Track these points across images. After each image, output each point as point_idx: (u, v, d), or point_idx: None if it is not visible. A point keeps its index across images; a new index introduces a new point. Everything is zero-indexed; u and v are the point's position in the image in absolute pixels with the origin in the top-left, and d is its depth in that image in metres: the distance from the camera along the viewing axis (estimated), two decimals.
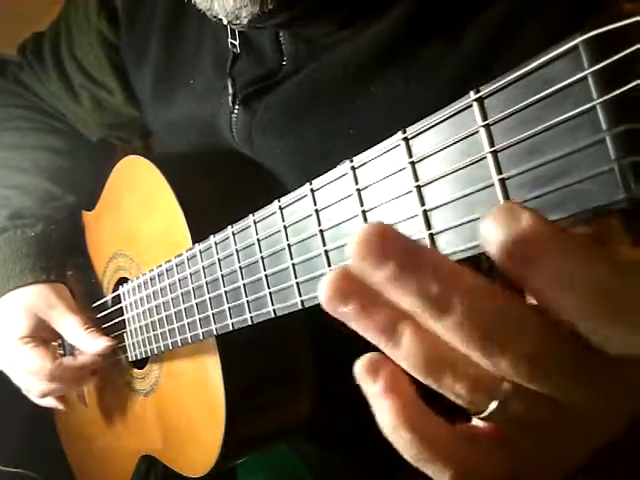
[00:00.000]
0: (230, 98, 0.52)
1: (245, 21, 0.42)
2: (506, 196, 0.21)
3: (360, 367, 0.22)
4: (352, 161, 0.28)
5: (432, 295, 0.18)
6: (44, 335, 0.65)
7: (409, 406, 0.21)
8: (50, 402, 0.68)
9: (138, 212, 0.60)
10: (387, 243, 0.18)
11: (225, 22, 0.43)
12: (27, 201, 0.70)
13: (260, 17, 0.42)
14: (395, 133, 0.25)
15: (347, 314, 0.20)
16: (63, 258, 0.71)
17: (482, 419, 0.21)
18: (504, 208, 0.18)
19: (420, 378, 0.21)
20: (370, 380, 0.21)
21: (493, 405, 0.21)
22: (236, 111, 0.53)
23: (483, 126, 0.21)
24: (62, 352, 0.72)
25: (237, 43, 0.51)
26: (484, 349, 0.19)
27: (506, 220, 0.17)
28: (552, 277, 0.17)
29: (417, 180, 0.24)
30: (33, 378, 0.64)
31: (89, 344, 0.62)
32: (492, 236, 0.18)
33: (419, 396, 0.22)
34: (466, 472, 0.21)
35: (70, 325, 0.64)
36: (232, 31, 0.52)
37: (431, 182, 0.24)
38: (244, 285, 0.38)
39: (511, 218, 0.17)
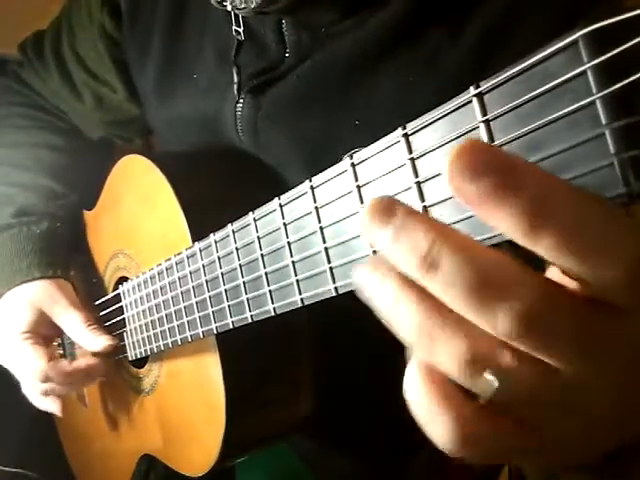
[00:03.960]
0: (235, 87, 0.52)
1: (252, 5, 0.42)
2: None
3: None
4: (352, 158, 0.28)
5: (426, 248, 0.19)
6: (46, 331, 0.65)
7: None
8: (48, 405, 0.68)
9: (138, 211, 0.60)
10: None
11: (229, 8, 0.43)
12: (31, 198, 0.70)
13: (269, 3, 0.42)
14: (398, 124, 0.25)
15: (372, 283, 0.21)
16: (67, 255, 0.71)
17: (488, 402, 0.21)
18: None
19: (415, 343, 0.21)
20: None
21: (495, 383, 0.20)
22: (241, 103, 0.53)
23: (483, 122, 0.21)
24: (61, 352, 0.72)
25: (241, 30, 0.51)
26: (480, 299, 0.19)
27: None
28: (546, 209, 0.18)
29: (417, 176, 0.24)
30: (29, 376, 0.64)
31: (90, 341, 0.62)
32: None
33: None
34: (467, 433, 0.21)
35: (72, 321, 0.64)
36: (236, 18, 0.52)
37: (431, 178, 0.24)
38: (244, 283, 0.38)
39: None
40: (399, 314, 0.21)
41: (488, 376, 0.20)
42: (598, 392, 0.20)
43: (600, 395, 0.21)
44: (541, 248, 0.18)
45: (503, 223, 0.18)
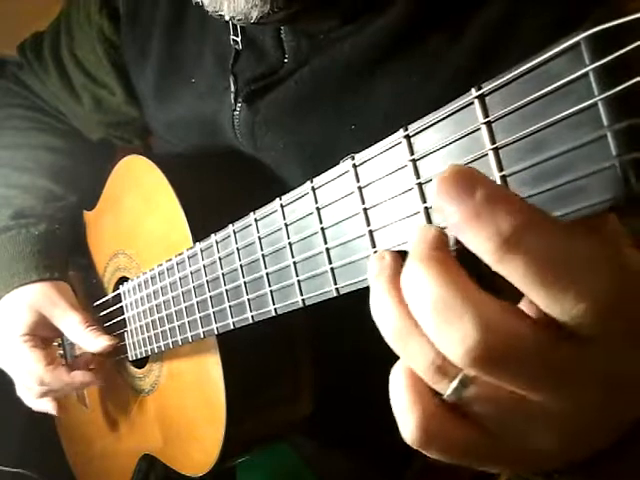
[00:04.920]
0: (232, 95, 0.52)
1: (251, 21, 0.42)
2: None
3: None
4: (353, 159, 0.28)
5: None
6: (45, 333, 0.66)
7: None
8: (45, 406, 0.68)
9: (139, 211, 0.60)
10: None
11: (227, 18, 0.44)
12: (30, 200, 0.70)
13: (268, 15, 0.42)
14: (398, 127, 0.25)
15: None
16: (66, 257, 0.71)
17: (443, 400, 0.22)
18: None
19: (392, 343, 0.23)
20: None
21: (453, 385, 0.21)
22: (238, 109, 0.53)
23: (484, 123, 0.22)
24: (62, 352, 0.72)
25: (239, 39, 0.52)
26: (435, 325, 0.20)
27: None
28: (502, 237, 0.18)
29: (419, 177, 0.25)
30: (27, 378, 0.64)
31: (90, 342, 0.62)
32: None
33: None
34: (429, 428, 0.22)
35: (71, 322, 0.64)
36: (234, 28, 0.52)
37: (433, 179, 0.24)
38: (245, 283, 0.38)
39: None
40: (380, 313, 0.22)
41: (453, 383, 0.21)
42: (567, 413, 0.21)
43: (569, 416, 0.21)
44: (509, 275, 0.18)
45: (475, 245, 0.19)
